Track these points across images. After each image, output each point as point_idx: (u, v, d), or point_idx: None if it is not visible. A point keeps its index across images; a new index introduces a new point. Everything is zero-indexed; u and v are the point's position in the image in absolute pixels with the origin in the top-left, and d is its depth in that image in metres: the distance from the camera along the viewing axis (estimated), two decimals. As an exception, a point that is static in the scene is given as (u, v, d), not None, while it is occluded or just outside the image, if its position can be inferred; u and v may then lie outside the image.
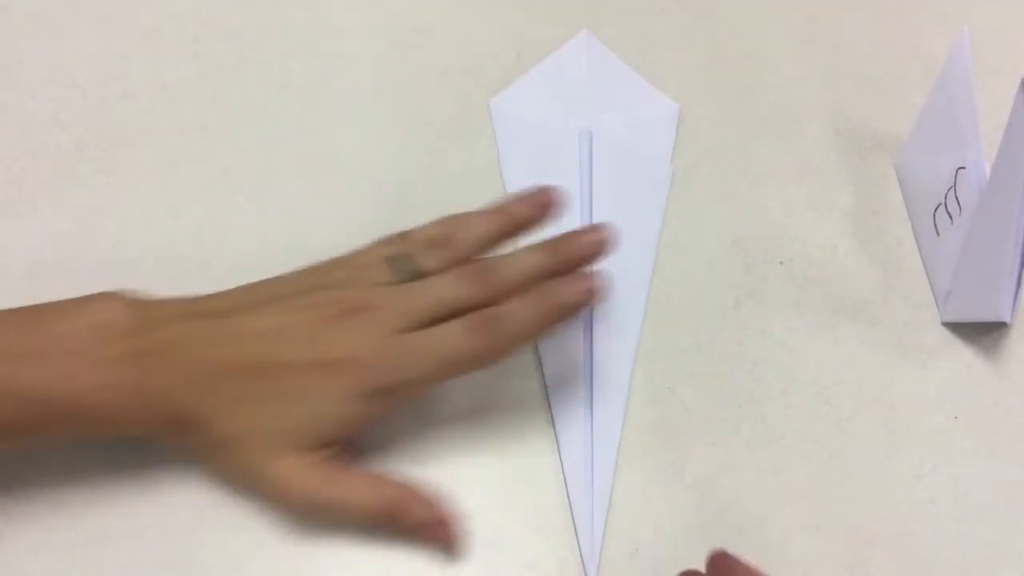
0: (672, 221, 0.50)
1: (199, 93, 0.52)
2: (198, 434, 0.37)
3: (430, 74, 0.54)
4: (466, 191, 0.50)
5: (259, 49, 0.54)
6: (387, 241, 0.41)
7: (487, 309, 0.38)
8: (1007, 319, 0.45)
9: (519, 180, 0.50)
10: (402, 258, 0.40)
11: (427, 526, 0.38)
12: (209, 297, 0.40)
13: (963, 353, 0.47)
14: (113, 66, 0.53)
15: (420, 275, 0.39)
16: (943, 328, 0.48)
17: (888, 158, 0.53)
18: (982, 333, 0.47)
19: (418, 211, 0.49)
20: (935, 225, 0.49)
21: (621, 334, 0.46)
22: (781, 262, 0.49)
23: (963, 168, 0.47)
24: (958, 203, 0.47)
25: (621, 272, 0.44)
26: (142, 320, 0.37)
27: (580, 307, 0.39)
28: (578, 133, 0.52)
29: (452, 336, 0.38)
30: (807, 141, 0.54)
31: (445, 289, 0.39)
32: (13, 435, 0.36)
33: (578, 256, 0.40)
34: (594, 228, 0.41)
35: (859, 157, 0.53)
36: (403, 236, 0.41)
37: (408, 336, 0.38)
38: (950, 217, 0.47)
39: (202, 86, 0.52)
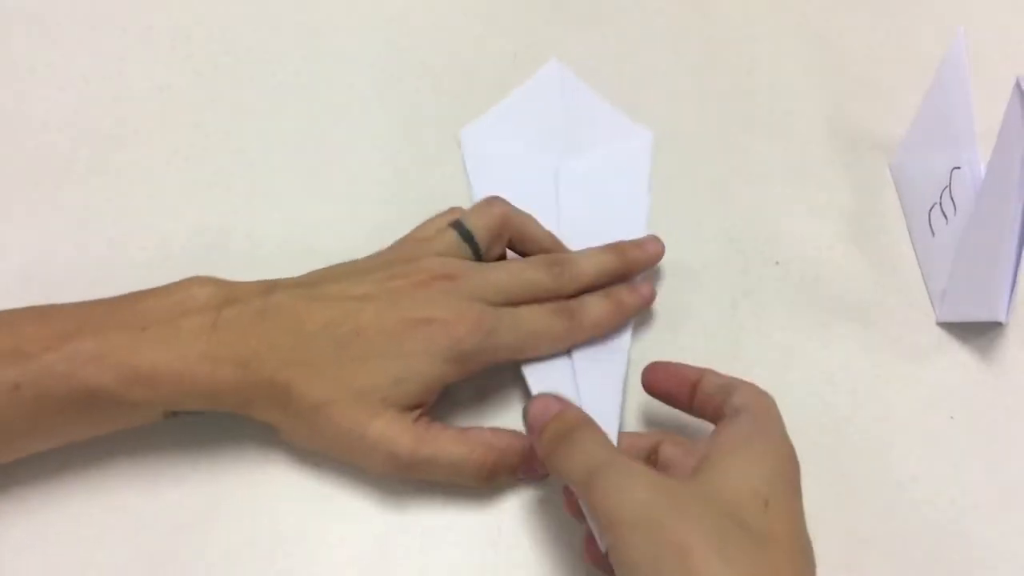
0: (668, 222, 0.50)
1: (194, 93, 0.52)
2: (290, 400, 0.37)
3: (427, 74, 0.54)
4: (462, 190, 0.50)
5: (254, 48, 0.54)
6: (444, 215, 0.44)
7: (565, 301, 0.42)
8: (1002, 319, 0.45)
9: None
10: (465, 230, 0.42)
11: (523, 470, 0.39)
12: (288, 278, 0.41)
13: (959, 353, 0.47)
14: (107, 66, 0.52)
15: (482, 255, 0.42)
16: (939, 328, 0.48)
17: (884, 158, 0.53)
18: (978, 333, 0.48)
19: (417, 211, 0.49)
20: (930, 225, 0.49)
21: (606, 372, 0.43)
22: (777, 262, 0.49)
23: (958, 168, 0.47)
24: (953, 203, 0.47)
25: None
26: (227, 294, 0.38)
27: (641, 309, 0.45)
28: (548, 168, 0.50)
29: (540, 314, 0.41)
30: (803, 141, 0.54)
31: (529, 272, 0.42)
32: (101, 406, 0.36)
33: (643, 260, 0.45)
34: (654, 238, 0.46)
35: (855, 157, 0.53)
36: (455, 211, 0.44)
37: (497, 307, 0.40)
38: (945, 217, 0.47)
39: (197, 86, 0.52)
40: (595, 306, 0.42)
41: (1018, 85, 0.40)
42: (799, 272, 0.49)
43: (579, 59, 0.56)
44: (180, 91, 0.52)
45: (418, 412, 0.38)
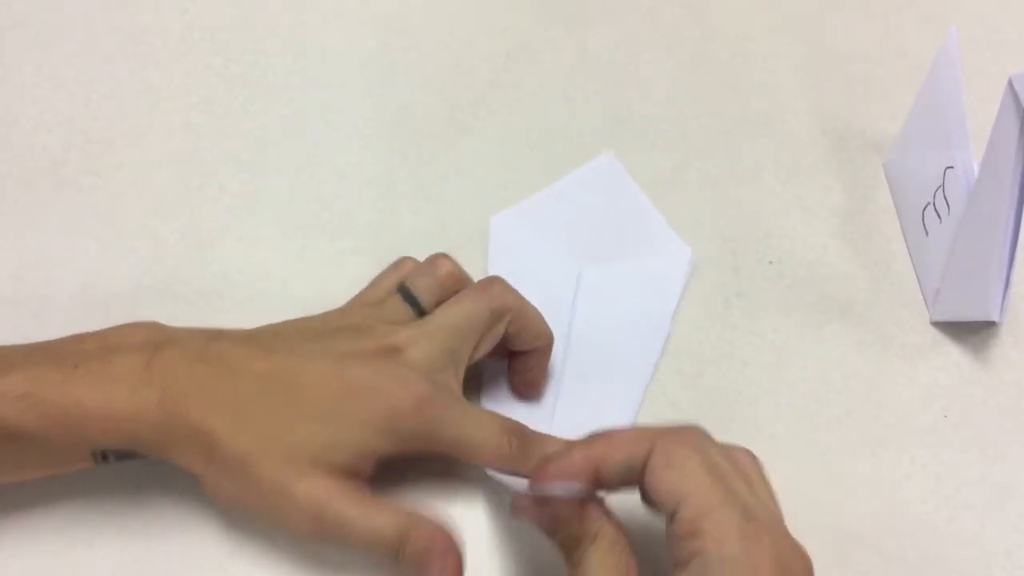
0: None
1: (185, 94, 0.52)
2: (214, 449, 0.35)
3: (418, 75, 0.54)
4: (452, 190, 0.50)
5: (246, 50, 0.54)
6: (391, 272, 0.43)
7: (527, 428, 0.39)
8: (996, 318, 0.45)
9: None
10: (410, 294, 0.41)
11: (432, 555, 0.36)
12: (236, 329, 0.39)
13: (952, 352, 0.47)
14: (99, 67, 0.52)
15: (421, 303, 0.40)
16: (932, 327, 0.48)
17: (877, 158, 0.53)
18: (971, 332, 0.48)
19: (407, 211, 0.49)
20: (924, 224, 0.49)
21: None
22: (770, 262, 0.49)
23: (951, 167, 0.47)
24: (947, 202, 0.47)
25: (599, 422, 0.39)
26: (168, 336, 0.37)
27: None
28: (570, 271, 0.47)
29: (489, 427, 0.38)
30: (796, 141, 0.54)
31: (465, 305, 0.39)
32: (23, 447, 0.34)
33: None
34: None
35: (848, 157, 0.53)
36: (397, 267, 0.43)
37: (450, 400, 0.38)
38: (939, 216, 0.47)
39: (188, 87, 0.52)
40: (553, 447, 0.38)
41: (1010, 84, 0.40)
42: (792, 272, 0.49)
43: (570, 60, 0.56)
44: (171, 92, 0.52)
45: (353, 483, 0.36)
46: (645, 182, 0.51)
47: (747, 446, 0.41)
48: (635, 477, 0.33)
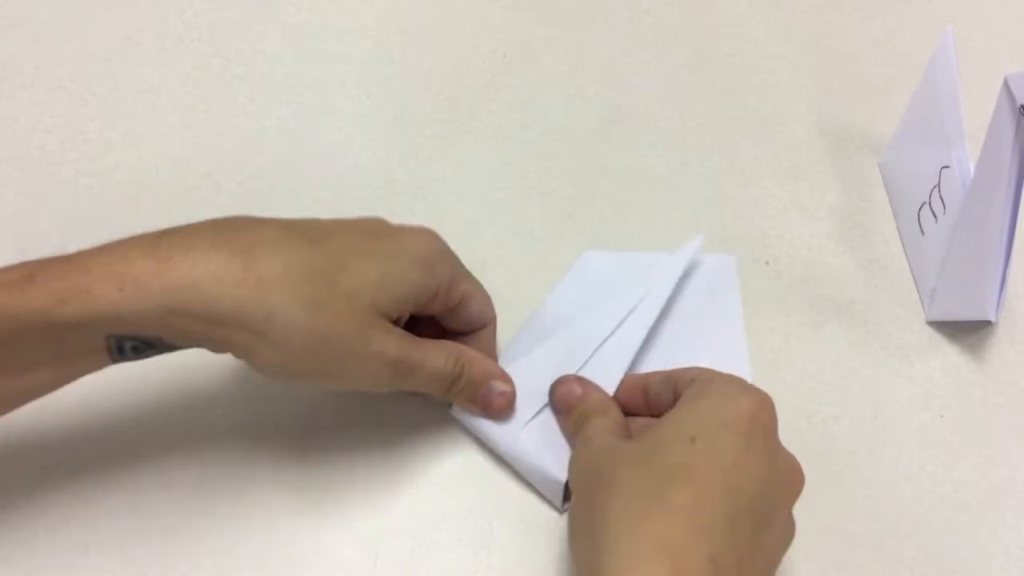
0: (658, 222, 0.50)
1: (183, 95, 0.52)
2: (271, 302, 0.33)
3: (416, 75, 0.54)
4: (451, 190, 0.50)
5: (244, 50, 0.54)
6: None
7: None
8: (992, 318, 0.45)
9: (553, 317, 0.46)
10: None
11: (488, 383, 0.40)
12: None
13: (948, 352, 0.47)
14: (97, 68, 0.52)
15: None
16: (928, 327, 0.48)
17: (873, 157, 0.53)
18: (967, 332, 0.48)
19: (405, 211, 0.49)
20: (920, 224, 0.49)
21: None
22: (767, 262, 0.49)
23: (947, 167, 0.47)
24: (943, 202, 0.47)
25: None
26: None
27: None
28: (628, 333, 0.43)
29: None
30: (792, 141, 0.54)
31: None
32: (30, 336, 0.31)
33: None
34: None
35: (844, 157, 0.53)
36: None
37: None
38: (935, 216, 0.48)
39: (186, 88, 0.52)
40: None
41: (1006, 84, 0.40)
42: (789, 272, 0.49)
43: (570, 60, 0.56)
44: (169, 93, 0.52)
45: (398, 327, 0.37)
46: (644, 182, 0.51)
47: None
48: (670, 390, 0.38)
